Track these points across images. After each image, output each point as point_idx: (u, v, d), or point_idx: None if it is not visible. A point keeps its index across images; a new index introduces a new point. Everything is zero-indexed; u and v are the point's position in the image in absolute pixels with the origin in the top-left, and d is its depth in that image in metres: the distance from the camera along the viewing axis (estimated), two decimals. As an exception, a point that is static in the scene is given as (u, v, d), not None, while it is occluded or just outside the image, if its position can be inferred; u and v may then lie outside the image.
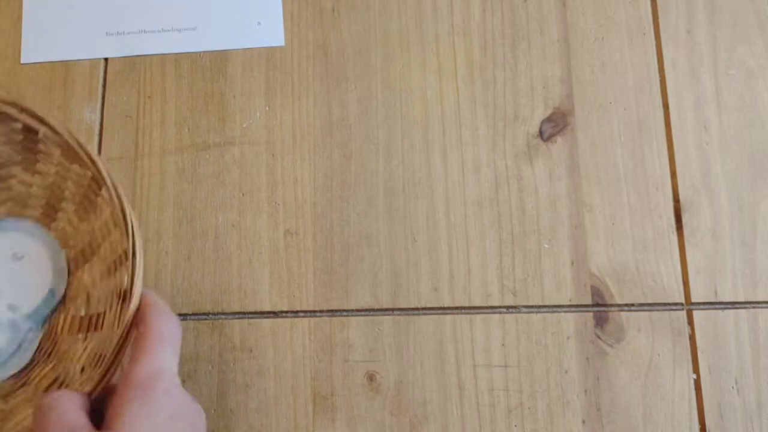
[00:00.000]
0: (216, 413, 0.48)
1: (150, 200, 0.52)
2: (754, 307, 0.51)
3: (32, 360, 0.38)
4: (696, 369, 0.49)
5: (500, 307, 0.50)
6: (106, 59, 0.55)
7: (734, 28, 0.56)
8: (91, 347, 0.36)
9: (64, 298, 0.39)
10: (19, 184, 0.40)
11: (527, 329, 0.50)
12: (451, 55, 0.55)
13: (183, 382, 0.43)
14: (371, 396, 0.49)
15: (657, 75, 0.55)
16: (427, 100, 0.54)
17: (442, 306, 0.50)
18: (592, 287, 0.51)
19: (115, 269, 0.36)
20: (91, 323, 0.37)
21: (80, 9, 0.54)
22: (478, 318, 0.50)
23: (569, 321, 0.50)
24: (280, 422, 0.48)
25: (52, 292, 0.39)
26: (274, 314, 0.50)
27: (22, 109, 0.36)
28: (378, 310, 0.50)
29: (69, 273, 0.40)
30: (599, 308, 0.50)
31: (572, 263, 0.51)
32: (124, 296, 0.34)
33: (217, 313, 0.50)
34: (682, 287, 0.51)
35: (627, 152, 0.53)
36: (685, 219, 0.52)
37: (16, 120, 0.37)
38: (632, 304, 0.50)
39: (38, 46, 0.53)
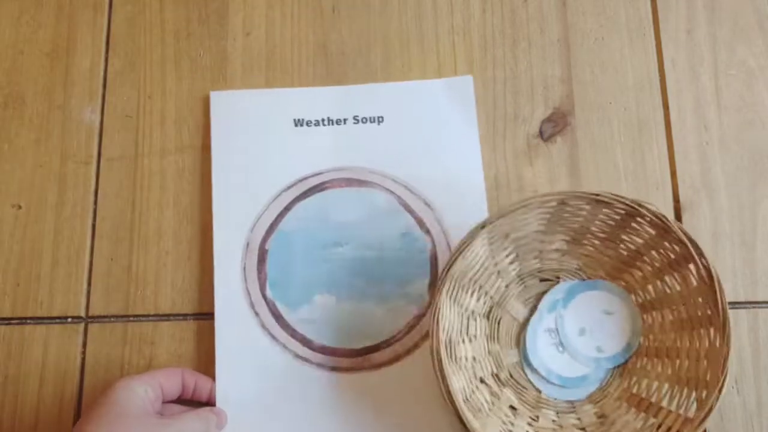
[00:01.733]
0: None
1: (150, 200, 0.52)
2: (754, 307, 0.51)
3: (586, 398, 0.48)
4: (696, 369, 0.49)
5: (500, 307, 0.50)
6: (106, 59, 0.55)
7: (734, 28, 0.56)
8: (634, 423, 0.44)
9: (625, 369, 0.48)
10: (642, 278, 0.48)
11: (527, 329, 0.50)
12: (451, 55, 0.55)
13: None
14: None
15: (657, 75, 0.55)
16: (427, 100, 0.54)
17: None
18: (592, 287, 0.51)
19: (684, 386, 0.43)
20: (641, 405, 0.45)
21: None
22: (478, 318, 0.50)
23: (569, 321, 0.50)
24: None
25: (629, 345, 0.48)
26: (274, 314, 0.50)
27: (694, 246, 0.42)
28: (378, 310, 0.50)
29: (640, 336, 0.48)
30: (599, 308, 0.50)
31: (572, 263, 0.51)
32: (685, 421, 0.41)
33: (217, 313, 0.50)
34: (682, 287, 0.51)
35: (627, 152, 0.53)
36: (685, 219, 0.52)
37: (683, 247, 0.43)
38: (632, 304, 0.50)
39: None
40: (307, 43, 0.55)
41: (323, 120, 0.53)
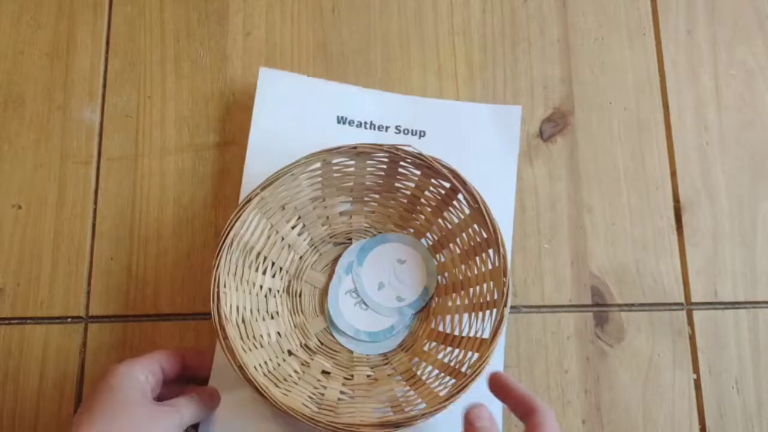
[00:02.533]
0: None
1: (150, 200, 0.52)
2: (754, 307, 0.51)
3: (397, 347, 0.49)
4: (696, 369, 0.49)
5: (500, 307, 0.50)
6: (106, 59, 0.55)
7: (734, 28, 0.56)
8: (441, 358, 0.46)
9: (428, 311, 0.50)
10: (425, 221, 0.50)
11: (527, 329, 0.50)
12: (451, 55, 0.55)
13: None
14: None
15: (657, 75, 0.55)
16: (427, 100, 0.54)
17: (442, 306, 0.51)
18: (592, 287, 0.51)
19: (480, 310, 0.45)
20: (446, 339, 0.47)
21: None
22: (478, 318, 0.50)
23: (569, 321, 0.50)
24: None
25: (426, 289, 0.50)
26: (274, 314, 0.50)
27: (456, 176, 0.45)
28: (378, 310, 0.50)
29: (437, 285, 0.50)
30: (599, 308, 0.50)
31: (572, 263, 0.51)
32: (482, 343, 0.42)
33: (217, 313, 0.50)
34: (682, 287, 0.51)
35: (627, 152, 0.53)
36: (685, 219, 0.52)
37: (448, 180, 0.45)
38: (632, 304, 0.50)
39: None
40: (307, 43, 0.55)
41: (366, 123, 0.52)
